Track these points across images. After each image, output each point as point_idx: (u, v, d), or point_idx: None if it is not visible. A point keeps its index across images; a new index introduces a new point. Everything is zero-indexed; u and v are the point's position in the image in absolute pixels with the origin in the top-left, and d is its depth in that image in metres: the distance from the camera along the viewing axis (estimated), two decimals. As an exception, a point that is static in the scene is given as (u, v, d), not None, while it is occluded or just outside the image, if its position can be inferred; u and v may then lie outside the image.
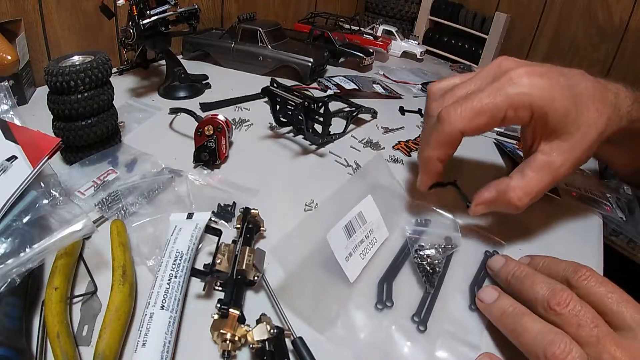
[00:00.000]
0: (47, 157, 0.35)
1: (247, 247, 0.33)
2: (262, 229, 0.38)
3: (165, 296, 0.29)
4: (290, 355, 0.28)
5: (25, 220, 0.32)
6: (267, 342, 0.27)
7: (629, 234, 0.49)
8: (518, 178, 0.36)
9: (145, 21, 0.57)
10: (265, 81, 0.60)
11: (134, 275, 0.32)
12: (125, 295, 0.29)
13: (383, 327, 0.32)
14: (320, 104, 0.53)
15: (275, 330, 0.28)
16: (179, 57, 0.73)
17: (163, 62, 0.70)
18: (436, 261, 0.36)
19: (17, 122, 0.39)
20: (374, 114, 0.66)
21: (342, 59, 0.89)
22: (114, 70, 0.66)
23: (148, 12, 0.58)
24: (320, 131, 0.54)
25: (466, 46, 1.07)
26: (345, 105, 0.64)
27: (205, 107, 0.62)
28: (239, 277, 0.31)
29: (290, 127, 0.57)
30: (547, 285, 0.29)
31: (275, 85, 0.57)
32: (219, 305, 0.28)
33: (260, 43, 0.76)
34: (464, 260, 0.38)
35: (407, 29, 1.19)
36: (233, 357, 0.28)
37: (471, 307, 0.34)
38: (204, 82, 0.69)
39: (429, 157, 0.38)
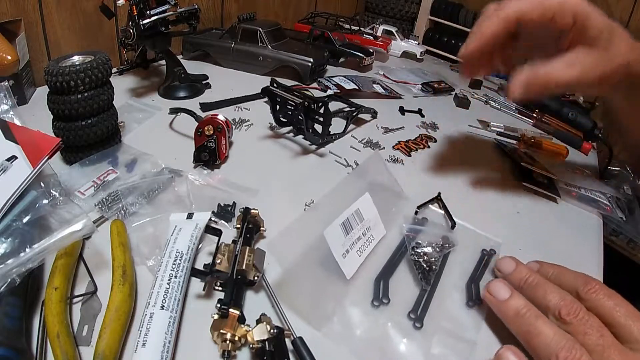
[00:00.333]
0: (47, 157, 0.35)
1: (247, 247, 0.33)
2: (262, 229, 0.38)
3: (165, 296, 0.29)
4: (290, 355, 0.28)
5: (25, 220, 0.32)
6: (267, 342, 0.27)
7: (629, 234, 0.49)
8: (549, 63, 0.39)
9: (145, 21, 0.57)
10: (265, 81, 0.60)
11: (134, 275, 0.32)
12: (125, 295, 0.29)
13: (379, 323, 0.32)
14: (320, 104, 0.53)
15: (275, 330, 0.28)
16: (179, 57, 0.73)
17: (163, 62, 0.70)
18: (433, 259, 0.37)
19: (17, 122, 0.39)
20: (374, 114, 0.66)
21: (342, 59, 0.89)
22: (114, 70, 0.66)
23: (148, 12, 0.58)
24: (320, 131, 0.54)
25: (466, 46, 1.07)
26: (345, 105, 0.64)
27: (205, 107, 0.62)
28: (239, 277, 0.31)
29: (290, 127, 0.58)
30: (559, 295, 0.30)
31: (275, 85, 0.57)
32: (219, 305, 0.28)
33: (260, 43, 0.76)
34: (460, 259, 0.39)
35: (407, 29, 1.19)
36: (233, 357, 0.28)
37: (468, 303, 0.34)
38: (204, 82, 0.69)
39: (481, 24, 0.40)
